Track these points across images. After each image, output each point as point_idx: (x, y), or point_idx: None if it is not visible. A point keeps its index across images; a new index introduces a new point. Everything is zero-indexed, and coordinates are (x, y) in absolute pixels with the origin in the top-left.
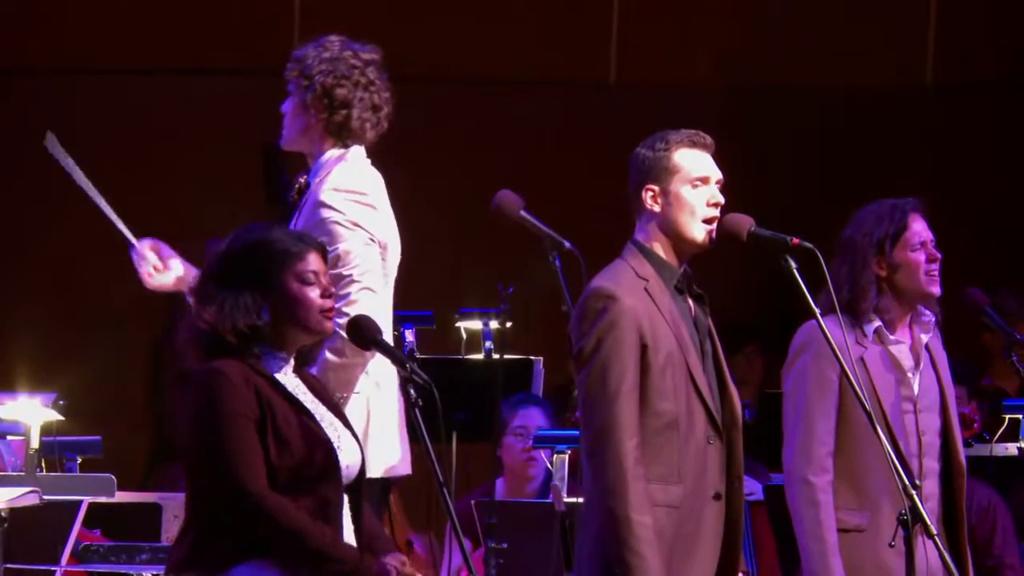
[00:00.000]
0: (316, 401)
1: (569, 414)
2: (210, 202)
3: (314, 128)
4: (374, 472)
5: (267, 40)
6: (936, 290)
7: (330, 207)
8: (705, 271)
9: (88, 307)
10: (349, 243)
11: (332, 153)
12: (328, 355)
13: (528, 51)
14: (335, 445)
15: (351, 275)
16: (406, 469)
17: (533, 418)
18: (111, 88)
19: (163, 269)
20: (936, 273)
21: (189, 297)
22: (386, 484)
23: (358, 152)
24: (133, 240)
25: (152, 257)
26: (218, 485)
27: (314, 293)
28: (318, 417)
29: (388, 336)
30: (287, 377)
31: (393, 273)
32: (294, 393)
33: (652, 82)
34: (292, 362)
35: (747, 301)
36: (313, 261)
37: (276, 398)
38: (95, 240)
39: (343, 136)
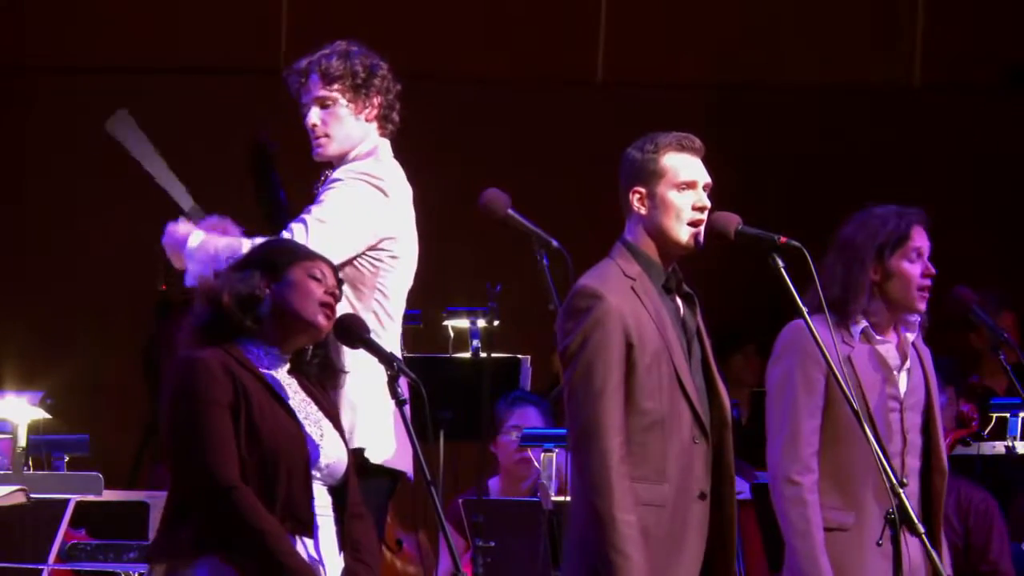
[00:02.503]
0: (308, 401)
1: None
2: (209, 201)
3: (366, 120)
4: (376, 458)
5: (255, 40)
6: (922, 307)
7: (339, 180)
8: (703, 271)
9: (75, 306)
10: (329, 222)
11: (363, 148)
12: None
13: (515, 49)
14: (315, 443)
15: (306, 219)
16: (407, 467)
17: (529, 417)
18: (110, 87)
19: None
20: (927, 289)
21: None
22: (394, 478)
23: (387, 148)
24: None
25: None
26: (190, 472)
27: (317, 287)
28: (302, 416)
29: (391, 339)
30: (278, 374)
31: (406, 278)
32: (278, 388)
33: (639, 81)
34: (287, 364)
35: (747, 302)
36: (324, 266)
37: (255, 390)
38: (82, 239)
39: (387, 124)
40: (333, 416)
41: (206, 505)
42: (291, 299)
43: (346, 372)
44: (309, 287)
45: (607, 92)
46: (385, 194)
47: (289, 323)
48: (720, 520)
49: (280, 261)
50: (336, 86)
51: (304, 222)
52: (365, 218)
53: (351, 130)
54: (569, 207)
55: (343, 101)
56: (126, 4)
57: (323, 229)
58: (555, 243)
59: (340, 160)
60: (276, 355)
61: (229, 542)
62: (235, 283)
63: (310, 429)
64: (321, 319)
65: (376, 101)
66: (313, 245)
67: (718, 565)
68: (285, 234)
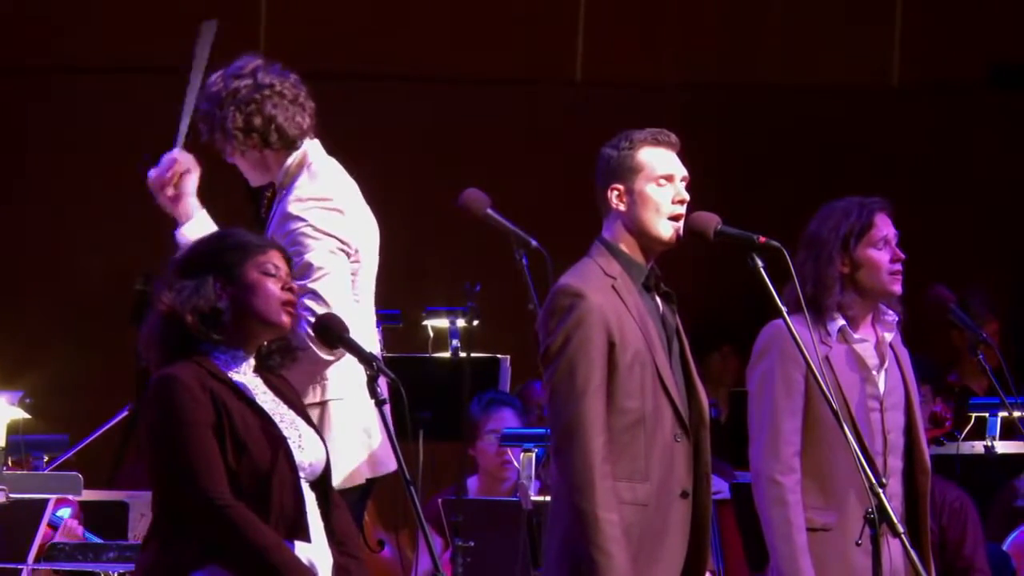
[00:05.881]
0: (277, 400)
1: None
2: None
3: (264, 157)
4: (360, 479)
5: (236, 40)
6: (897, 289)
7: (296, 217)
8: (680, 271)
9: (55, 306)
10: (315, 253)
11: (293, 159)
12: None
13: (495, 49)
14: (296, 445)
15: (315, 289)
16: (391, 465)
17: (505, 419)
18: (110, 87)
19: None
20: (899, 273)
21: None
22: (367, 486)
23: (317, 151)
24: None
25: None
26: (182, 495)
27: (274, 284)
28: (277, 418)
29: (368, 338)
30: (245, 377)
31: (371, 273)
32: (251, 394)
33: (618, 80)
34: (252, 361)
35: (723, 301)
36: (275, 256)
37: (232, 400)
38: (64, 238)
39: (289, 144)
40: (301, 410)
41: (204, 525)
42: (251, 304)
43: (303, 349)
44: (267, 287)
45: (586, 92)
46: (340, 212)
47: (252, 326)
48: (695, 518)
49: (231, 260)
50: (212, 135)
51: (313, 294)
52: (340, 246)
53: (250, 165)
54: (548, 206)
55: (224, 147)
56: (126, 4)
57: (329, 288)
58: (534, 242)
59: (278, 181)
60: (241, 356)
61: (230, 558)
62: (192, 299)
63: (288, 432)
64: (285, 318)
65: (256, 124)
66: (334, 306)
67: (692, 562)
68: (305, 312)
